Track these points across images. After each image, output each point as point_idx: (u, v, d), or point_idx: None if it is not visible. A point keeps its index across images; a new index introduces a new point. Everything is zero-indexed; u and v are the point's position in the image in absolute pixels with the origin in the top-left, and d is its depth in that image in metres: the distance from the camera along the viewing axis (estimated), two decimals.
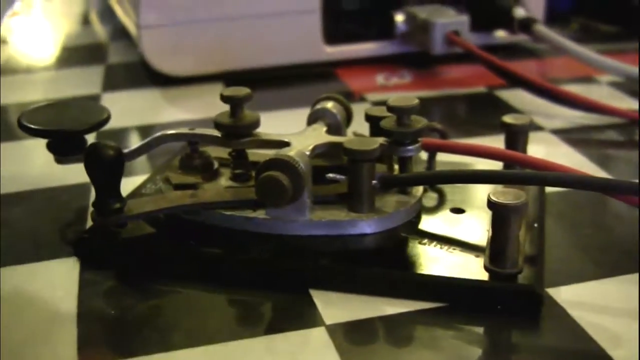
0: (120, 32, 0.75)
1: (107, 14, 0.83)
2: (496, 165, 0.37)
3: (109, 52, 0.71)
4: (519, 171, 0.34)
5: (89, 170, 0.33)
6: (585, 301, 0.31)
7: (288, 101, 0.54)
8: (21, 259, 0.35)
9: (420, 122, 0.34)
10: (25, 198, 0.41)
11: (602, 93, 0.55)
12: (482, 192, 0.37)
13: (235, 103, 0.36)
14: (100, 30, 0.81)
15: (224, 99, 0.36)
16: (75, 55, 0.71)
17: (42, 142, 0.38)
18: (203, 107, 0.54)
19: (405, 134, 0.34)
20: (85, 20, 0.85)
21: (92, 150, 0.33)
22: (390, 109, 0.34)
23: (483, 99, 0.55)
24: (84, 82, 0.62)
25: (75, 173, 0.39)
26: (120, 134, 0.50)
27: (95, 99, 0.57)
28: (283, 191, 0.31)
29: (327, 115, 0.38)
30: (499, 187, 0.31)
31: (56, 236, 0.37)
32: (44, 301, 0.32)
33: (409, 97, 0.34)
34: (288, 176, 0.31)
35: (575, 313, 0.30)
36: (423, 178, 0.35)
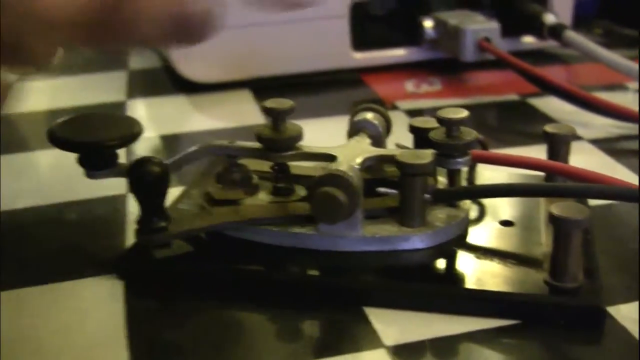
0: None
1: None
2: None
3: (129, 58, 0.70)
4: (574, 184, 0.33)
5: (134, 187, 0.33)
6: None
7: (317, 109, 0.53)
8: (62, 275, 0.34)
9: (470, 134, 0.33)
10: (59, 211, 0.41)
11: (630, 100, 0.54)
12: (524, 203, 0.37)
13: (277, 115, 0.35)
14: None
15: (266, 111, 0.35)
16: (95, 59, 0.70)
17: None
18: (232, 115, 0.54)
19: (456, 146, 0.33)
20: None
21: (137, 167, 0.32)
22: (440, 120, 0.33)
23: (516, 106, 0.54)
24: (107, 88, 0.61)
25: (106, 184, 0.38)
26: (151, 143, 0.49)
27: (120, 106, 0.56)
28: (340, 208, 0.31)
29: (369, 126, 0.37)
30: (557, 201, 0.31)
31: (95, 252, 0.36)
32: (90, 321, 0.31)
33: (458, 109, 0.34)
34: (344, 192, 0.31)
35: (637, 333, 0.29)
36: (477, 191, 0.35)
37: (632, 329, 0.29)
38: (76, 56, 0.69)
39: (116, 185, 0.40)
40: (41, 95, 0.61)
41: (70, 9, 0.24)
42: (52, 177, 0.45)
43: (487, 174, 0.38)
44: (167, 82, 0.61)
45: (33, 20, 0.24)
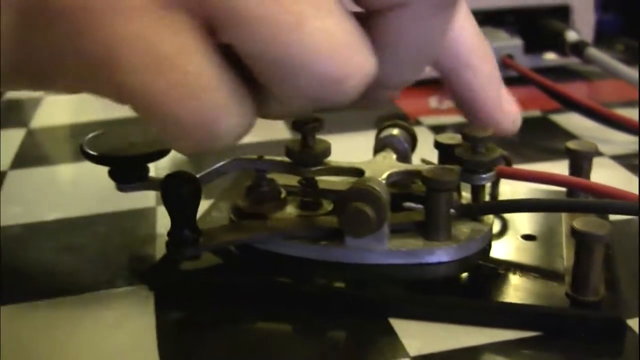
0: None
1: None
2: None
3: None
4: (596, 200, 0.34)
5: (166, 200, 0.33)
6: None
7: (342, 124, 0.54)
8: (94, 286, 0.35)
9: (495, 151, 0.34)
10: (89, 223, 0.42)
11: None
12: (546, 217, 0.37)
13: (306, 131, 0.36)
14: None
15: (296, 126, 0.36)
16: None
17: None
18: (257, 129, 0.54)
19: (482, 162, 0.34)
20: None
21: (170, 181, 0.33)
22: (466, 137, 0.34)
23: (538, 122, 0.55)
24: None
25: (135, 197, 0.39)
26: (176, 156, 0.50)
27: None
28: (368, 222, 0.31)
29: (395, 142, 0.38)
30: (578, 216, 0.31)
31: (126, 264, 0.37)
32: (121, 331, 0.32)
33: (484, 127, 0.34)
34: (372, 207, 0.31)
35: None
36: (501, 207, 0.36)
37: None
38: None
39: (145, 198, 0.41)
40: (66, 109, 0.62)
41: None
42: (81, 190, 0.46)
43: (509, 189, 0.39)
44: None
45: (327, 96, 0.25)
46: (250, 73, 0.24)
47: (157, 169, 0.44)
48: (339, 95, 0.24)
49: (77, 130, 0.58)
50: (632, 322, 0.31)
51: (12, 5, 0.24)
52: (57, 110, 0.62)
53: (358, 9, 0.26)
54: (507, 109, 0.37)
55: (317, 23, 0.23)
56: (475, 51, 0.36)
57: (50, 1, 0.23)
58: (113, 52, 0.23)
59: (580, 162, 0.38)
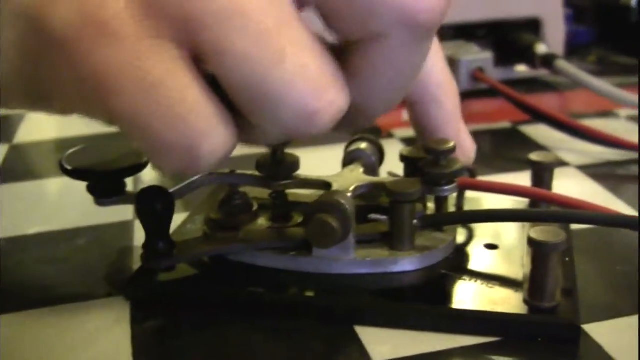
0: None
1: None
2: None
3: None
4: (553, 210, 0.35)
5: (140, 214, 0.35)
6: (622, 338, 0.32)
7: (314, 137, 0.54)
8: (73, 298, 0.36)
9: (456, 163, 0.35)
10: (69, 236, 0.43)
11: (621, 127, 0.56)
12: (509, 227, 0.39)
13: (276, 145, 0.37)
14: None
15: None
16: None
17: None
18: None
19: (443, 175, 0.35)
20: None
21: (143, 196, 0.34)
22: (428, 150, 0.35)
23: (508, 134, 0.57)
24: None
25: (115, 211, 0.40)
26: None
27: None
28: (333, 233, 0.33)
29: (363, 156, 0.39)
30: (536, 225, 0.32)
31: (104, 276, 0.38)
32: (98, 341, 0.33)
33: (445, 140, 0.36)
34: (337, 218, 0.33)
35: (612, 351, 0.31)
36: (461, 217, 0.37)
37: (606, 345, 0.31)
38: None
39: (124, 212, 0.43)
40: (49, 125, 0.63)
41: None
42: (62, 204, 0.47)
43: (481, 200, 0.40)
44: None
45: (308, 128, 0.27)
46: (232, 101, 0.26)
47: (141, 183, 0.45)
48: (311, 127, 0.26)
49: (59, 146, 0.58)
50: (589, 327, 0.32)
51: (12, 32, 0.25)
52: (40, 126, 0.63)
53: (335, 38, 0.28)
54: (463, 143, 0.39)
55: (296, 61, 0.25)
56: (442, 87, 0.38)
57: (45, 32, 0.25)
58: (104, 77, 0.25)
59: (542, 173, 0.40)
